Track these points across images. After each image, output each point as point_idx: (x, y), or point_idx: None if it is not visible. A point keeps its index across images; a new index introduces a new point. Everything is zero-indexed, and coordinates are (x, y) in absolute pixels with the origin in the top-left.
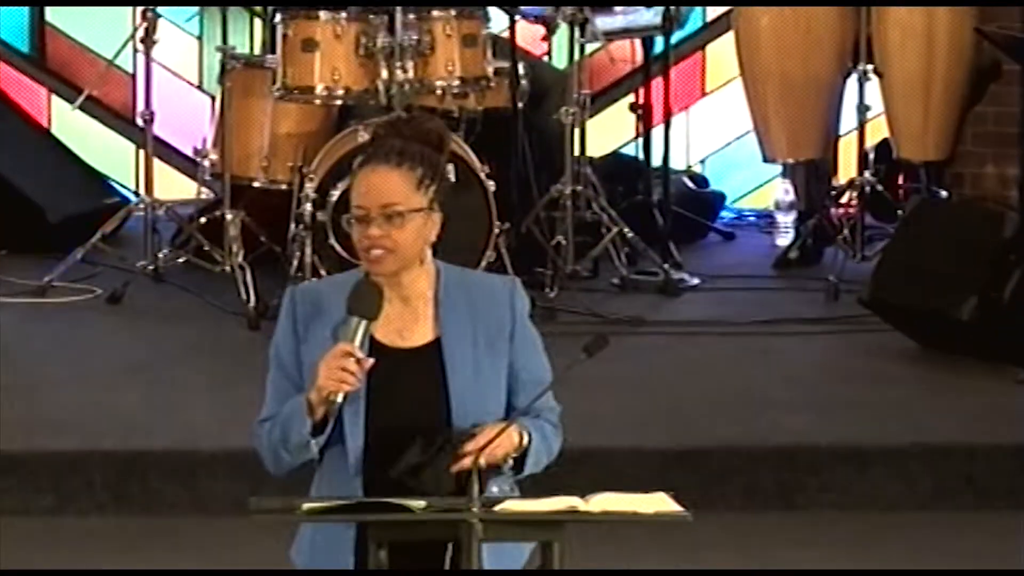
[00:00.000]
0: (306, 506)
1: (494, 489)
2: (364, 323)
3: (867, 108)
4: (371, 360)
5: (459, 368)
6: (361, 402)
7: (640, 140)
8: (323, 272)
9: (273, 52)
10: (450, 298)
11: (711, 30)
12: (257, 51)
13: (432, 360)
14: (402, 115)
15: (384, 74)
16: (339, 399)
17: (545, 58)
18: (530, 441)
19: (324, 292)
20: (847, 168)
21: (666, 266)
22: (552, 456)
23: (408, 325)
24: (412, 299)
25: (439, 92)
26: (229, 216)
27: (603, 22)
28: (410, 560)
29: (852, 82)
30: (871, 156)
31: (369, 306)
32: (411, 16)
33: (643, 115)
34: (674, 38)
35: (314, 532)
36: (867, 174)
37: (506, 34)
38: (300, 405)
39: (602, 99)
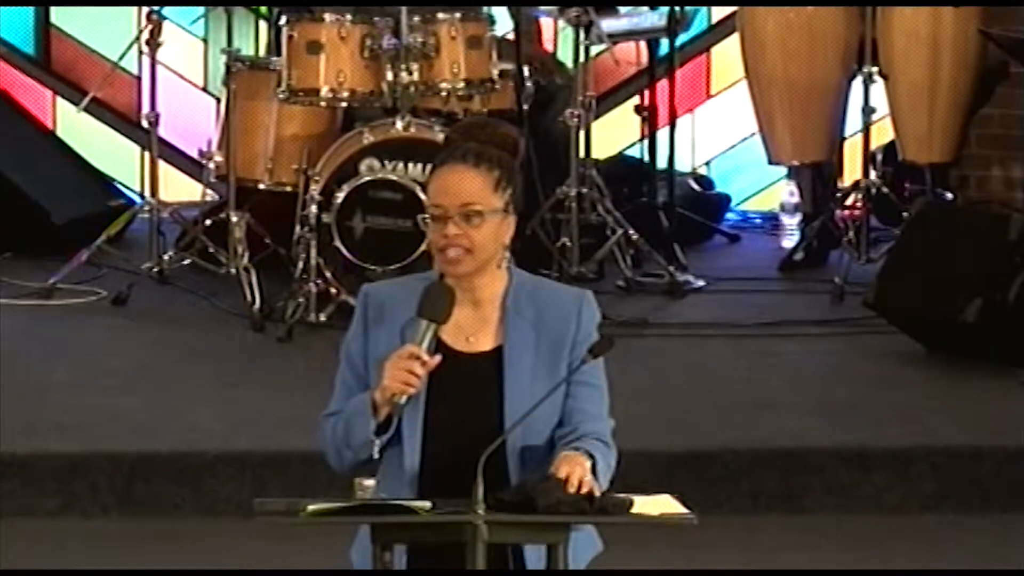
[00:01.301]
0: (310, 508)
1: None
2: (432, 326)
3: (872, 110)
4: (437, 359)
5: (517, 378)
6: (421, 402)
7: (645, 142)
8: (327, 274)
9: (278, 54)
10: (519, 306)
11: (716, 32)
12: (262, 53)
13: (492, 367)
14: (478, 119)
15: (389, 76)
16: (403, 400)
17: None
18: (594, 463)
19: (393, 293)
20: (852, 170)
21: (671, 268)
22: (610, 471)
23: (475, 330)
24: (483, 304)
25: (444, 94)
26: (234, 218)
27: (608, 24)
28: (432, 561)
29: (857, 84)
30: (879, 158)
31: (438, 309)
32: (416, 18)
33: (648, 117)
34: (679, 40)
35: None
36: (872, 176)
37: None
38: (364, 404)
39: (607, 101)
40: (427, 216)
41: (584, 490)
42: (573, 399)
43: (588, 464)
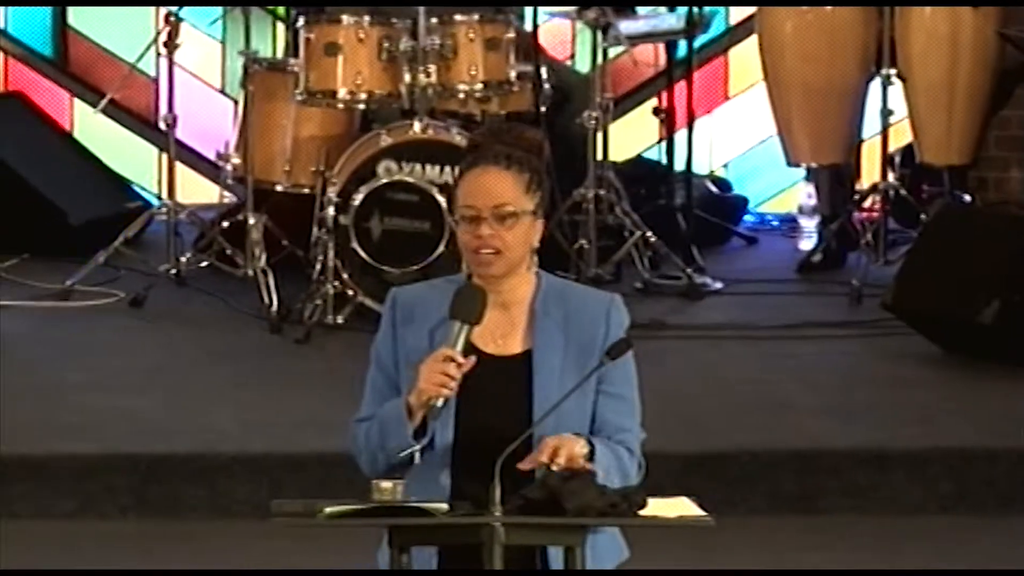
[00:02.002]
0: (328, 509)
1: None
2: (466, 327)
3: (890, 112)
4: (472, 360)
5: (546, 381)
6: (452, 405)
7: (663, 144)
8: (345, 276)
9: (296, 56)
10: (547, 309)
11: (734, 34)
12: (279, 55)
13: (521, 370)
14: (502, 123)
15: (407, 78)
16: (439, 403)
17: (568, 62)
18: (592, 450)
19: (422, 294)
20: (870, 172)
21: (689, 270)
22: (627, 479)
23: (504, 333)
24: (511, 306)
25: (462, 96)
26: (251, 220)
27: (626, 26)
28: (463, 562)
29: (875, 86)
30: (897, 160)
31: (471, 310)
32: (434, 20)
33: (666, 119)
34: (697, 42)
35: None
36: (890, 178)
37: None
38: (399, 409)
39: (625, 103)
40: (457, 217)
41: (565, 463)
42: (601, 408)
43: (582, 449)
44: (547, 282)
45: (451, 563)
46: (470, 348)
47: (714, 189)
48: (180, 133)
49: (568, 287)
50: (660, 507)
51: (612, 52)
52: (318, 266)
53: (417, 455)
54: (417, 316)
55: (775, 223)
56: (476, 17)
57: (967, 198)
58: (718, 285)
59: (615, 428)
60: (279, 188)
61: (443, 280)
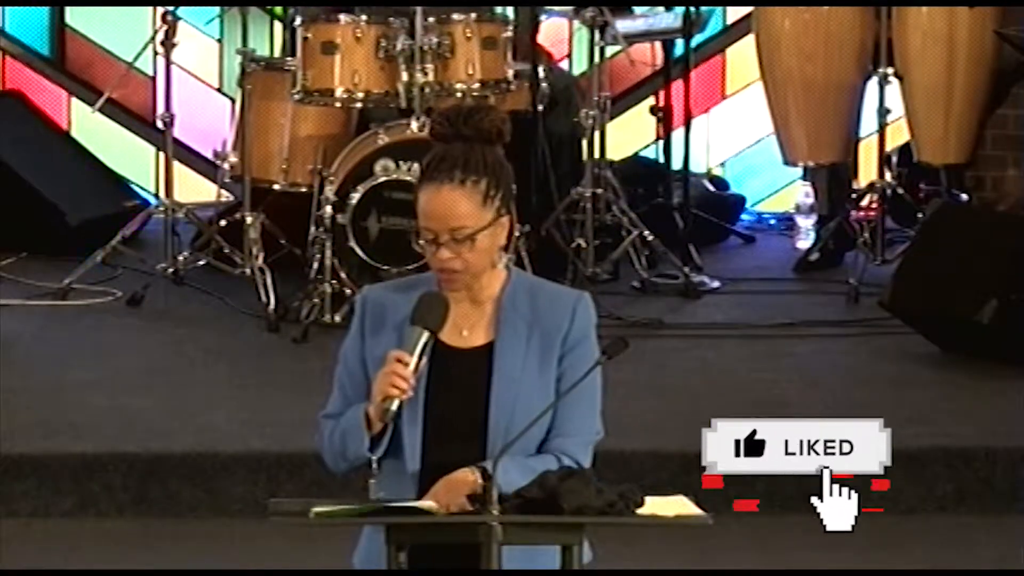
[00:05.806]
0: (325, 509)
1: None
2: (425, 335)
3: (887, 111)
4: (424, 362)
5: (504, 372)
6: (421, 399)
7: (660, 143)
8: (342, 275)
9: (293, 55)
10: (514, 303)
11: (731, 33)
12: (277, 54)
13: (482, 362)
14: (461, 109)
15: (404, 77)
16: (393, 406)
17: (564, 61)
18: (489, 479)
19: (392, 297)
20: (867, 171)
21: (686, 269)
22: None
23: (471, 326)
24: (483, 302)
25: (459, 95)
26: (249, 219)
27: (624, 25)
28: (430, 560)
29: (873, 85)
30: (894, 159)
31: (433, 319)
32: (431, 19)
33: (663, 118)
34: (694, 41)
35: (369, 538)
36: (887, 177)
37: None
38: (359, 420)
39: (622, 102)
40: (419, 236)
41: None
42: (561, 406)
43: (473, 479)
44: (518, 278)
45: (418, 561)
46: (436, 342)
47: (711, 188)
48: (177, 132)
49: (538, 283)
50: (658, 506)
51: (609, 51)
52: (316, 265)
53: (375, 464)
54: (386, 319)
55: (772, 222)
56: (473, 16)
57: (964, 197)
58: (715, 284)
59: (562, 432)
60: (277, 187)
61: (415, 278)
